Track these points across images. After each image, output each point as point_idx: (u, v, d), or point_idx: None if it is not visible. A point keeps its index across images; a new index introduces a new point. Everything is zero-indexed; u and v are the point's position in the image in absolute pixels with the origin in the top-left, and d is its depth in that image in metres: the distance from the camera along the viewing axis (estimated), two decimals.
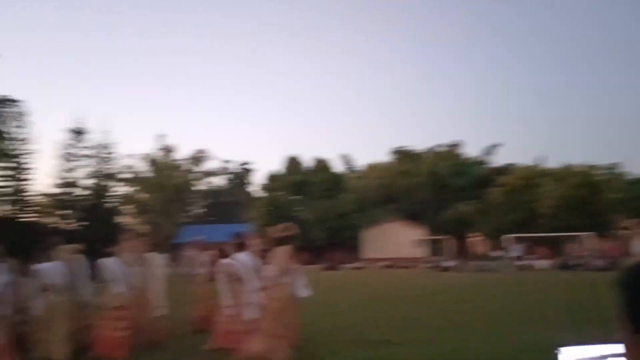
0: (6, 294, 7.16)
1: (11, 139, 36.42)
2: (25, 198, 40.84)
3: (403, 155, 55.96)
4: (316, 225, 47.30)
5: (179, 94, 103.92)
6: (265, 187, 55.32)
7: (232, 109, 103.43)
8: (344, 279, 25.33)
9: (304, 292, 6.65)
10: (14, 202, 39.63)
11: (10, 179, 39.63)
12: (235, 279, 7.79)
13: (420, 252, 40.84)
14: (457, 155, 54.47)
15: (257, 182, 69.31)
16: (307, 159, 57.24)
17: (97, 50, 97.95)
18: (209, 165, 68.79)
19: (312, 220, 50.11)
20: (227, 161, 72.23)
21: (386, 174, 53.87)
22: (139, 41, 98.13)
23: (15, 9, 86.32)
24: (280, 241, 6.70)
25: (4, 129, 27.26)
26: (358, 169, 61.06)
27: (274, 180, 54.59)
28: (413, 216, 47.38)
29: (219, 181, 71.81)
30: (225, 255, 8.14)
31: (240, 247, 7.54)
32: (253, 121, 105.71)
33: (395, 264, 37.01)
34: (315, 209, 50.03)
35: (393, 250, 41.23)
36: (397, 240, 42.54)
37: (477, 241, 35.82)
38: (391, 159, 57.28)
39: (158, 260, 8.94)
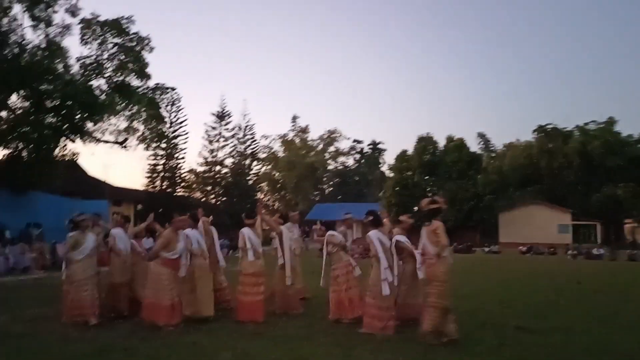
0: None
1: (166, 123, 40.03)
2: (177, 175, 44.78)
3: (547, 134, 52.56)
4: (448, 207, 46.62)
5: (312, 77, 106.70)
6: (396, 167, 55.18)
7: (364, 89, 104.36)
8: (479, 262, 24.88)
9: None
10: (168, 179, 43.62)
11: (165, 158, 43.68)
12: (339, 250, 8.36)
13: (563, 237, 38.93)
14: (611, 134, 49.41)
15: (387, 162, 69.72)
16: (440, 138, 56.01)
17: (233, 39, 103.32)
18: (339, 145, 70.17)
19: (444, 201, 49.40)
20: (357, 141, 73.11)
21: (527, 153, 51.29)
22: (273, 29, 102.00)
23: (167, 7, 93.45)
24: (431, 214, 6.89)
25: (161, 114, 30.06)
26: (495, 148, 58.97)
27: (405, 160, 54.24)
28: (556, 199, 44.88)
29: (349, 161, 72.91)
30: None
31: (375, 224, 7.64)
32: (385, 101, 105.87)
33: (535, 249, 35.62)
34: (448, 189, 49.22)
35: (533, 234, 39.58)
36: (537, 224, 40.73)
37: (632, 227, 33.13)
38: (533, 137, 54.05)
39: (290, 234, 9.53)
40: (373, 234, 7.46)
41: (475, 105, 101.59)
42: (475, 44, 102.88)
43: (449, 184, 49.55)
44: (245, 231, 8.42)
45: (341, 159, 71.33)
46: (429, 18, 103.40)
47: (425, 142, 54.09)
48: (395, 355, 6.21)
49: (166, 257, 7.60)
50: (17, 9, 22.10)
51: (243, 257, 8.41)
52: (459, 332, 6.79)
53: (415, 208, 47.26)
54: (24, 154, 22.49)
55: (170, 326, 7.39)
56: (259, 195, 60.27)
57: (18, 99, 23.06)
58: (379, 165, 72.61)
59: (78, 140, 24.88)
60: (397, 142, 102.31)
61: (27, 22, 22.48)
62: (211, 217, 9.80)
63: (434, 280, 6.70)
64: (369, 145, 73.83)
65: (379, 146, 73.85)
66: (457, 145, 52.41)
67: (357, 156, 73.45)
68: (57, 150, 23.91)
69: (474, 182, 49.32)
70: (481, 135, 60.33)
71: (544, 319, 8.62)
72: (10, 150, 22.42)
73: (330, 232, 8.64)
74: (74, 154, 24.89)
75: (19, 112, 23.03)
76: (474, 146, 57.57)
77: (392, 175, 56.98)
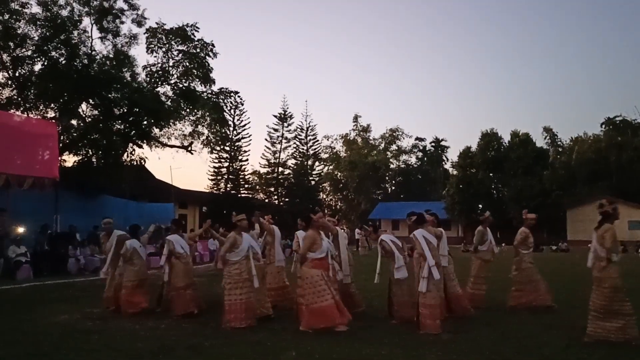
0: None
1: (229, 126, 40.89)
2: (241, 177, 45.59)
3: (616, 127, 50.14)
4: (513, 204, 45.26)
5: (373, 75, 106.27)
6: (459, 164, 54.16)
7: (426, 85, 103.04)
8: (548, 260, 23.98)
9: None
10: (232, 181, 44.49)
11: (229, 160, 44.59)
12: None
13: (635, 234, 37.05)
14: None
15: (450, 159, 68.50)
16: (505, 134, 54.57)
17: (294, 41, 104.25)
18: (401, 143, 69.51)
19: (508, 198, 48.15)
20: (420, 139, 72.21)
21: (595, 147, 49.18)
22: (333, 29, 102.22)
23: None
24: (604, 218, 6.78)
25: (224, 117, 30.72)
26: (562, 143, 56.96)
27: (469, 157, 53.15)
28: (627, 194, 42.71)
29: (411, 159, 72.10)
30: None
31: (419, 223, 7.64)
32: (447, 97, 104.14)
33: None
34: (513, 186, 47.84)
35: None
36: None
37: None
38: (601, 131, 51.68)
39: (345, 234, 9.52)
40: (418, 232, 7.52)
41: (541, 99, 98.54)
42: (540, 36, 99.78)
43: (515, 180, 48.20)
44: (300, 234, 8.44)
45: (403, 157, 70.70)
46: (492, 11, 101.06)
47: (489, 138, 52.81)
48: (459, 356, 6.08)
49: (314, 258, 7.51)
50: (86, 22, 23.18)
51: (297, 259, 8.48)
52: (525, 333, 6.59)
53: (480, 206, 46.31)
54: (94, 159, 23.37)
55: (343, 325, 7.22)
56: (321, 196, 60.61)
57: (88, 107, 24.12)
58: (442, 163, 71.46)
59: (145, 146, 25.78)
60: (460, 139, 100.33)
61: (95, 33, 23.52)
62: (269, 216, 9.85)
63: (602, 284, 6.53)
64: (431, 142, 72.85)
65: (442, 143, 72.70)
66: (522, 141, 50.90)
67: (420, 154, 72.56)
68: (125, 156, 24.73)
69: (540, 178, 47.71)
70: (547, 130, 58.19)
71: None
72: (81, 157, 23.33)
73: (382, 237, 8.49)
74: (141, 159, 25.66)
75: (88, 120, 24.03)
76: (540, 141, 55.77)
77: (455, 172, 55.97)
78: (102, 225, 9.43)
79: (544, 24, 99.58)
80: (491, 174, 52.32)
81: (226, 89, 29.14)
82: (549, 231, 44.00)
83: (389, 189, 69.42)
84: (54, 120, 20.40)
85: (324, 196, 63.80)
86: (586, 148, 49.80)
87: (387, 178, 69.23)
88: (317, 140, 56.65)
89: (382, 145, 68.32)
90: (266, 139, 53.22)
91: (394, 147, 68.96)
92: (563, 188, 46.67)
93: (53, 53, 22.13)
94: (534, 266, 9.34)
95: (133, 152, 25.26)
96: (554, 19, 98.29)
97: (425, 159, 72.30)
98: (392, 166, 68.66)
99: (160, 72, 25.49)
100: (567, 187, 46.84)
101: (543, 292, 9.11)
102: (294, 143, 54.05)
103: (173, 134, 26.70)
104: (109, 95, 22.99)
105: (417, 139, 71.83)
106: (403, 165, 70.31)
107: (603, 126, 51.34)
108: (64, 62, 22.25)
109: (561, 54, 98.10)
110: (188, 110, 26.09)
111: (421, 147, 72.40)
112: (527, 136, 51.45)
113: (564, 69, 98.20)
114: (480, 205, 49.87)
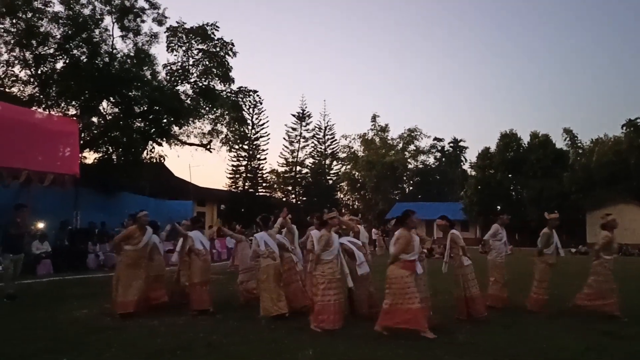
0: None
1: (248, 125, 41.10)
2: (259, 175, 45.78)
3: (637, 129, 49.10)
4: (532, 206, 44.81)
5: (391, 75, 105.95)
6: (478, 165, 53.73)
7: (444, 86, 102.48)
8: (567, 263, 23.61)
9: None
10: (250, 179, 44.70)
11: (247, 159, 44.82)
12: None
13: None
14: None
15: (469, 160, 68.04)
16: (524, 135, 53.98)
17: (312, 40, 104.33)
18: (420, 143, 69.18)
19: (527, 200, 47.68)
20: (438, 139, 71.81)
21: (615, 149, 48.47)
22: (351, 28, 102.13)
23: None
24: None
25: (243, 116, 30.89)
26: (582, 144, 56.27)
27: (487, 158, 52.69)
28: None
29: (429, 159, 71.73)
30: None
31: (452, 225, 7.79)
32: (466, 97, 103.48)
33: (624, 250, 33.56)
34: (532, 188, 47.35)
35: (622, 235, 36.82)
36: (627, 224, 38.37)
37: None
38: (622, 133, 50.62)
39: (366, 233, 9.53)
40: (458, 233, 7.69)
41: (561, 100, 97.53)
42: (560, 37, 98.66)
43: (534, 182, 47.68)
44: (314, 233, 8.46)
45: (421, 157, 70.27)
46: (512, 11, 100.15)
47: (508, 139, 52.27)
48: (476, 358, 6.06)
49: (405, 259, 7.29)
50: (107, 20, 23.43)
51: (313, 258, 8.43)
52: (543, 335, 6.60)
53: (499, 207, 45.87)
54: (114, 157, 23.64)
55: (426, 330, 7.00)
56: (339, 195, 60.62)
57: (108, 105, 24.39)
58: (461, 164, 71.02)
59: (164, 144, 25.99)
60: (479, 140, 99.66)
61: (117, 32, 23.76)
62: (289, 214, 9.85)
63: None
64: (450, 143, 72.43)
65: (461, 144, 72.30)
66: (542, 142, 50.30)
67: (438, 154, 72.13)
68: (144, 153, 24.98)
69: (559, 180, 47.18)
70: (567, 131, 57.42)
71: (635, 325, 8.06)
72: (101, 154, 23.60)
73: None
74: (160, 157, 25.92)
75: (109, 117, 24.32)
76: (560, 142, 55.01)
77: (473, 173, 55.55)
78: (138, 217, 9.22)
79: (567, 25, 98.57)
80: (510, 175, 51.79)
81: (245, 87, 29.33)
82: (568, 234, 43.51)
83: (407, 189, 69.08)
84: (75, 118, 20.66)
85: (342, 196, 63.79)
86: (606, 150, 49.18)
87: (404, 178, 68.90)
88: (335, 140, 56.78)
89: (400, 145, 68.05)
90: (284, 138, 53.60)
91: (412, 147, 68.65)
92: (582, 190, 46.09)
93: (75, 51, 22.44)
94: (611, 273, 8.89)
95: (153, 150, 25.54)
96: (576, 19, 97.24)
97: (444, 159, 71.83)
98: (410, 166, 68.32)
99: (180, 71, 25.68)
100: (587, 189, 46.25)
101: (614, 301, 8.72)
102: (312, 142, 54.28)
103: (192, 132, 26.95)
104: (130, 94, 23.23)
105: (435, 139, 71.49)
106: (421, 166, 69.87)
107: (624, 128, 50.38)
108: (85, 60, 22.54)
109: (583, 55, 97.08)
110: (207, 108, 26.27)
111: (439, 148, 72.01)
112: (546, 137, 50.85)
113: (585, 70, 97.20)
114: (499, 207, 49.45)
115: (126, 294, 8.54)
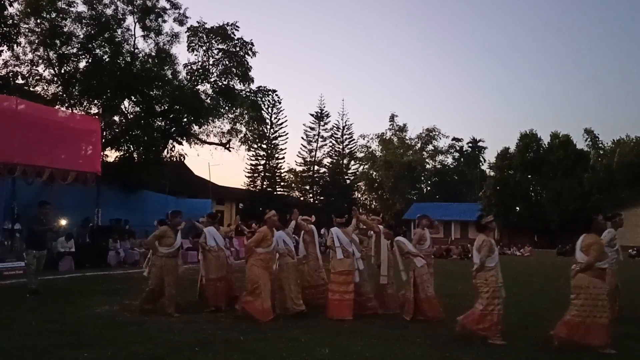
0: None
1: (267, 124, 41.27)
2: (277, 175, 45.94)
3: None
4: (552, 207, 44.39)
5: (410, 74, 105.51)
6: (497, 166, 53.32)
7: (463, 85, 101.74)
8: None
9: None
10: (268, 178, 44.89)
11: (266, 158, 45.01)
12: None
13: None
14: None
15: (488, 160, 67.46)
16: (545, 135, 53.46)
17: (331, 39, 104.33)
18: (438, 143, 68.78)
19: (547, 201, 47.21)
20: (457, 139, 71.29)
21: (637, 150, 47.79)
22: (370, 28, 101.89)
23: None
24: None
25: (262, 116, 31.07)
26: (603, 145, 55.57)
27: (507, 158, 52.27)
28: None
29: (448, 159, 71.26)
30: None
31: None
32: (485, 96, 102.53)
33: None
34: (552, 189, 46.87)
35: None
36: None
37: None
38: None
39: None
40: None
41: (582, 100, 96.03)
42: (582, 36, 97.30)
43: (554, 183, 47.20)
44: (334, 230, 8.51)
45: (440, 157, 69.76)
46: (532, 11, 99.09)
47: (528, 139, 51.81)
48: (495, 359, 6.03)
49: (600, 267, 6.75)
50: (129, 20, 23.74)
51: (332, 255, 8.56)
52: None
53: (517, 208, 45.46)
54: (135, 155, 23.94)
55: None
56: (357, 195, 60.54)
57: (130, 104, 24.70)
58: (479, 164, 70.39)
59: (184, 142, 26.28)
60: (498, 140, 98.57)
61: (138, 32, 24.06)
62: (313, 216, 9.91)
63: None
64: (468, 143, 71.76)
65: (479, 144, 71.63)
66: (562, 142, 49.79)
67: (456, 155, 71.59)
68: (165, 152, 25.26)
69: (580, 181, 46.63)
70: (588, 132, 56.57)
71: None
72: (123, 152, 23.91)
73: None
74: (180, 155, 26.15)
75: (130, 116, 24.61)
76: (581, 143, 54.25)
77: (492, 174, 55.11)
78: (267, 219, 8.68)
79: (588, 24, 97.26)
80: (529, 176, 51.33)
81: (264, 87, 29.44)
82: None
83: (425, 190, 68.70)
84: (97, 117, 20.93)
85: (359, 195, 63.67)
86: (628, 151, 48.46)
87: (422, 178, 68.54)
88: (353, 140, 56.68)
89: (419, 145, 67.67)
90: (302, 138, 53.62)
91: (430, 147, 68.22)
92: (603, 191, 45.50)
93: (97, 51, 22.80)
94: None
95: (173, 149, 25.79)
96: (599, 19, 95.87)
97: (462, 159, 71.24)
98: (428, 166, 67.94)
99: (200, 71, 25.87)
100: (608, 190, 45.64)
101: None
102: (330, 142, 54.28)
103: (212, 131, 27.13)
104: (151, 93, 23.52)
105: (454, 139, 70.85)
106: (439, 166, 69.38)
107: None
108: (107, 59, 22.86)
109: (605, 54, 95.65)
110: (227, 108, 26.43)
111: (458, 148, 71.39)
112: (567, 138, 50.33)
113: (607, 70, 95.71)
114: (518, 208, 49.01)
115: (267, 300, 8.17)
